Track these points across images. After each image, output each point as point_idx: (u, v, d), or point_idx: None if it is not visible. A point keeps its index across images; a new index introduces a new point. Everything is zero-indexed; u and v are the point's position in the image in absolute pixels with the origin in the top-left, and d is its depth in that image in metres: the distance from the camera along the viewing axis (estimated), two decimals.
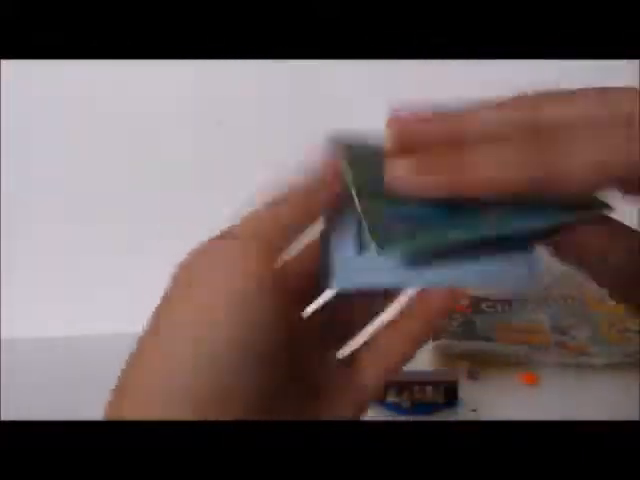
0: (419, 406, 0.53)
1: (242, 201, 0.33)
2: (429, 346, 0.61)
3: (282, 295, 0.27)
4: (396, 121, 0.31)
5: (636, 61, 0.65)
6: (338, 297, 0.35)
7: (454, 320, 0.65)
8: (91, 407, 0.44)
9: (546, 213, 0.29)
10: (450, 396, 0.53)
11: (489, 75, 0.68)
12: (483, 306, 0.69)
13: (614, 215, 0.30)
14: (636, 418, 0.45)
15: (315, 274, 0.33)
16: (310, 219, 0.31)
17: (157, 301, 0.77)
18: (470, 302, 0.69)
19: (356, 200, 0.30)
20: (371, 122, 0.72)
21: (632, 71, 0.67)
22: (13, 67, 0.65)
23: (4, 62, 0.65)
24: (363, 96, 0.68)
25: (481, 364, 0.59)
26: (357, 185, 0.31)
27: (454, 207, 0.29)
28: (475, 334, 0.63)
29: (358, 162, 0.33)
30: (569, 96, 0.30)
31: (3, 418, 0.52)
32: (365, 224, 0.29)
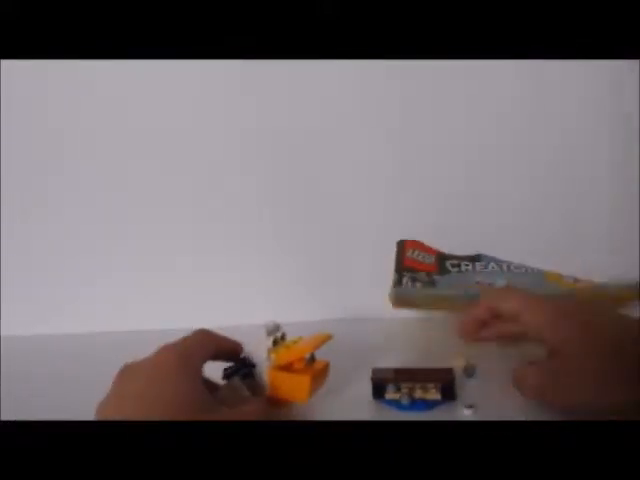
0: (418, 403, 0.54)
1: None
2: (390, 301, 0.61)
3: None
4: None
5: (636, 61, 0.65)
6: None
7: (418, 281, 0.65)
8: (90, 407, 0.44)
9: None
10: (448, 393, 0.54)
11: (489, 75, 0.68)
12: (448, 265, 0.69)
13: None
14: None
15: None
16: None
17: (155, 300, 0.75)
18: (435, 260, 0.69)
19: None
20: (366, 122, 0.72)
21: (632, 71, 0.67)
22: (13, 67, 0.65)
23: (4, 62, 0.65)
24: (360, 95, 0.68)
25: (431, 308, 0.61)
26: None
27: None
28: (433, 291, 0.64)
29: None
30: None
31: (3, 418, 0.52)
32: None
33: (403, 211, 0.71)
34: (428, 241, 0.71)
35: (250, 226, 0.71)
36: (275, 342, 0.52)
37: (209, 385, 0.49)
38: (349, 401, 0.55)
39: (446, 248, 0.72)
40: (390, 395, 0.54)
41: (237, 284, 0.71)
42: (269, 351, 0.51)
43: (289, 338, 0.54)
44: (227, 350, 0.51)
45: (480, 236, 0.72)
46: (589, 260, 0.67)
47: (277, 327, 0.53)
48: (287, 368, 0.50)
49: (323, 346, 0.52)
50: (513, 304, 0.52)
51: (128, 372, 0.45)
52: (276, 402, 0.51)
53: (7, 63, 0.65)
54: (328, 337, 0.52)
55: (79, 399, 0.42)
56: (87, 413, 0.42)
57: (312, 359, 0.52)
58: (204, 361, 0.48)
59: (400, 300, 0.62)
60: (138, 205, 0.70)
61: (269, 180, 0.70)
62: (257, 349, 0.52)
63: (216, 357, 0.50)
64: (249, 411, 0.47)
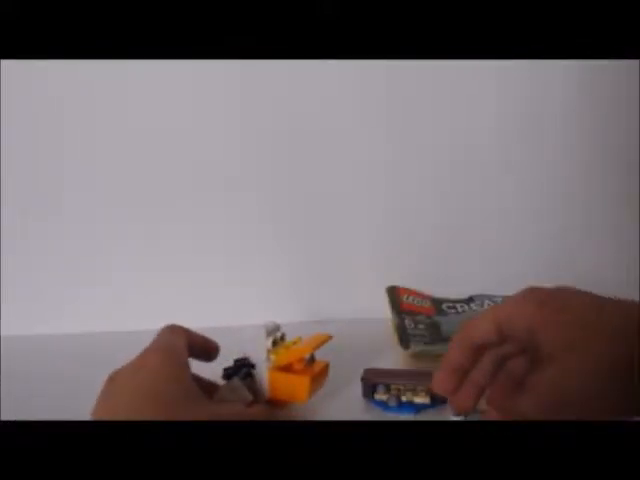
0: (405, 406, 0.54)
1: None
2: (407, 352, 0.62)
3: None
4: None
5: (636, 61, 0.65)
6: None
7: (420, 323, 0.66)
8: (90, 407, 0.44)
9: None
10: (439, 397, 0.54)
11: (489, 75, 0.68)
12: (444, 307, 0.71)
13: None
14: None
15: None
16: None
17: (155, 300, 0.75)
18: (432, 304, 0.71)
19: None
20: (363, 122, 0.72)
21: (632, 71, 0.67)
22: (13, 67, 0.65)
23: (4, 62, 0.65)
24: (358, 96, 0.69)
25: None
26: None
27: None
28: (442, 337, 0.64)
29: None
30: None
31: (3, 418, 0.52)
32: None
33: (403, 211, 0.71)
34: (429, 242, 0.71)
35: (250, 226, 0.71)
36: (275, 343, 0.52)
37: (209, 386, 0.49)
38: (349, 401, 0.55)
39: (447, 249, 0.72)
40: (379, 396, 0.54)
41: (237, 284, 0.71)
42: (269, 352, 0.51)
43: (289, 339, 0.54)
44: (199, 346, 0.50)
45: (480, 236, 0.72)
46: (590, 260, 0.67)
47: (277, 328, 0.53)
48: (287, 369, 0.50)
49: (323, 346, 0.52)
50: (489, 319, 0.41)
51: (115, 376, 0.45)
52: (276, 403, 0.51)
53: (7, 63, 0.65)
54: (328, 338, 0.52)
55: (79, 399, 0.42)
56: (87, 413, 0.42)
57: (312, 360, 0.52)
58: (187, 354, 0.47)
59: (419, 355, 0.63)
60: (138, 205, 0.70)
61: (269, 180, 0.70)
62: (257, 350, 0.52)
63: (189, 353, 0.49)
64: (249, 412, 0.47)
